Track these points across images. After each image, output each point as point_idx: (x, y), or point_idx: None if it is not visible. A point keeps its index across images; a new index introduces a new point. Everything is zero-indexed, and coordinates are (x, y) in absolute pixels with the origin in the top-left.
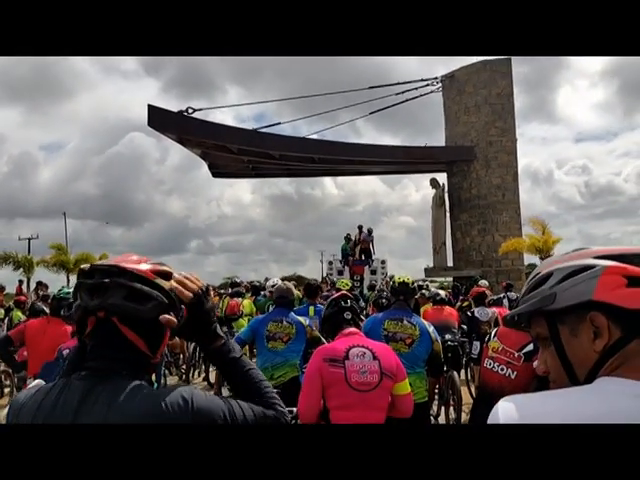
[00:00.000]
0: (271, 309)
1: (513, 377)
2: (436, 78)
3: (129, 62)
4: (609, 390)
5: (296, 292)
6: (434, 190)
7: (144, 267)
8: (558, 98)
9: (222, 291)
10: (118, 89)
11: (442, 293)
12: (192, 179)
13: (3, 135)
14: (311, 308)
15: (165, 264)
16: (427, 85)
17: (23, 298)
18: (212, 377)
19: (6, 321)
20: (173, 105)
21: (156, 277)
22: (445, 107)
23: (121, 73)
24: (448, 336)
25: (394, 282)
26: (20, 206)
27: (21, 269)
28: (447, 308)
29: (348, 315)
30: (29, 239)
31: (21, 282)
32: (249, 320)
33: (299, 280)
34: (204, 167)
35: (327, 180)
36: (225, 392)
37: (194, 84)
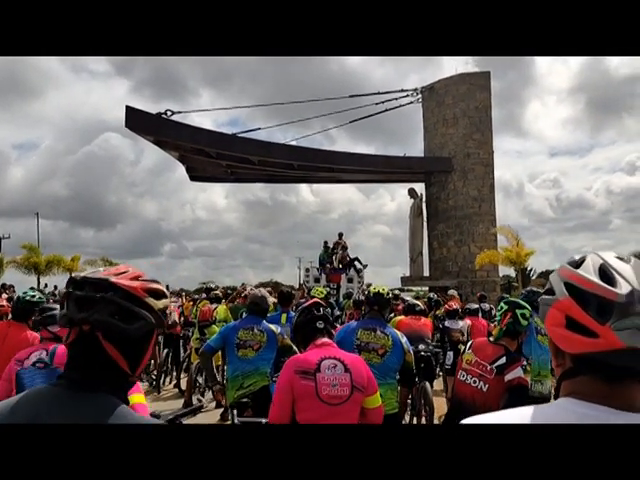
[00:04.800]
0: (244, 315)
1: (485, 390)
2: (416, 89)
3: (98, 61)
4: (564, 407)
5: (272, 299)
6: (412, 200)
7: (136, 284)
8: (528, 113)
9: (196, 296)
10: (88, 88)
11: (419, 304)
12: (165, 182)
13: None
14: (283, 315)
15: (158, 282)
16: (407, 96)
17: None
18: (183, 384)
19: None
20: (145, 106)
21: (147, 296)
22: (424, 118)
23: (90, 72)
24: (421, 346)
25: (369, 292)
26: None
27: None
28: (422, 319)
29: (321, 324)
30: (0, 238)
31: None
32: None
33: (276, 286)
34: (178, 170)
35: (302, 186)
36: (195, 400)
37: (166, 85)
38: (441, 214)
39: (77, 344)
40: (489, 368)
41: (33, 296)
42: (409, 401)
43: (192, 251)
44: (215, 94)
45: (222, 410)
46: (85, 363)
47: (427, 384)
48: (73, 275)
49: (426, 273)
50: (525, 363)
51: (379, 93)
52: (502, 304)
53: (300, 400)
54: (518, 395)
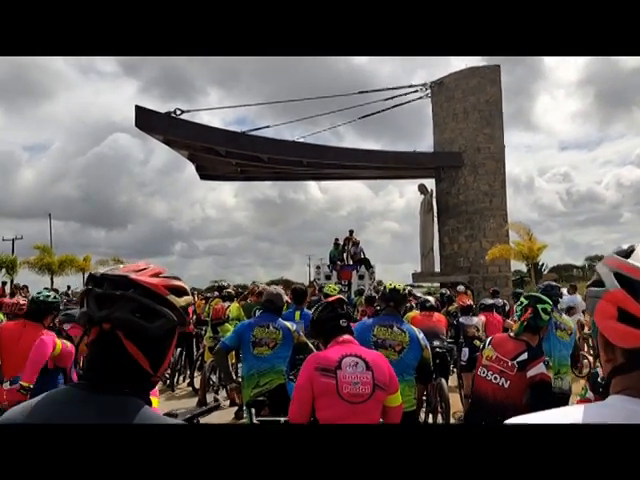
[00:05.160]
0: (257, 312)
1: (506, 386)
2: (425, 84)
3: (106, 62)
4: (614, 405)
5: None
6: (422, 196)
7: (156, 281)
8: (537, 107)
9: (208, 295)
10: (96, 89)
11: (431, 300)
12: (175, 181)
13: None
14: (297, 313)
15: (179, 278)
16: (416, 91)
17: (6, 300)
18: (197, 383)
19: None
20: (154, 106)
21: (168, 293)
22: (434, 113)
23: (98, 73)
24: (436, 343)
25: (385, 288)
26: (1, 206)
27: (4, 270)
28: (436, 314)
29: (344, 323)
30: (13, 239)
31: (4, 283)
32: (236, 325)
33: (286, 284)
34: (187, 169)
35: (311, 184)
36: (210, 398)
37: (174, 85)
38: (452, 209)
39: (97, 343)
40: (510, 364)
41: (48, 296)
42: (424, 398)
43: (203, 250)
44: (223, 93)
45: (236, 409)
46: (106, 363)
47: (443, 381)
48: (92, 272)
49: (437, 269)
50: (547, 359)
51: (388, 89)
52: (522, 299)
53: (320, 398)
54: (541, 392)
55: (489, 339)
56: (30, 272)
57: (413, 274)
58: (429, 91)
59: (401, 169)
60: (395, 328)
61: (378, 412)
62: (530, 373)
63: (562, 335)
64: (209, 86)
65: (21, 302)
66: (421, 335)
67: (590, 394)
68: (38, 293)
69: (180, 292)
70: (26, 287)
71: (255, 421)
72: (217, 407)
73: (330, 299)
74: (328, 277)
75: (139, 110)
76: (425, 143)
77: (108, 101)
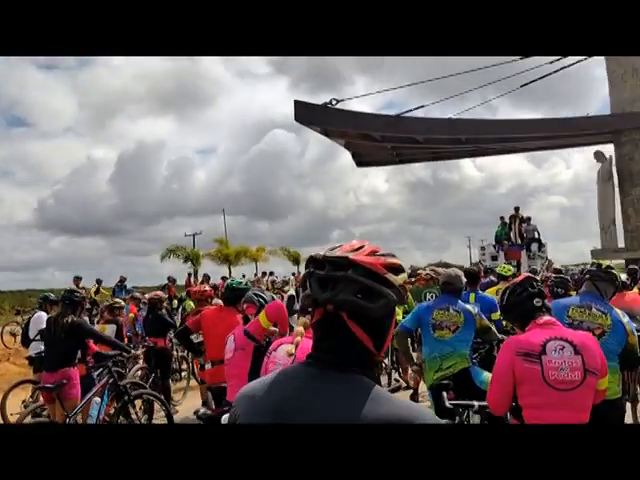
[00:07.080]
0: (428, 297)
1: None
2: None
3: (260, 64)
4: None
5: None
6: (599, 164)
7: (374, 260)
8: None
9: None
10: (253, 90)
11: (623, 277)
12: (329, 171)
13: (163, 141)
14: (472, 295)
15: (394, 255)
16: None
17: (194, 288)
18: None
19: (180, 310)
20: (304, 99)
21: (387, 272)
22: (609, 71)
23: (253, 75)
24: (634, 325)
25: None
26: (179, 205)
27: (189, 262)
28: (629, 293)
29: (538, 302)
30: (194, 235)
31: (190, 274)
32: (404, 308)
33: (446, 267)
34: (340, 159)
35: (465, 162)
36: (384, 380)
37: (321, 78)
38: (636, 176)
39: (322, 324)
40: None
41: (240, 282)
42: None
43: (359, 236)
44: (368, 79)
45: (412, 392)
46: (332, 343)
47: None
48: (313, 255)
49: (621, 244)
50: None
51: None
52: None
53: (523, 384)
54: None
55: None
56: (210, 263)
57: (592, 251)
58: None
59: (571, 136)
60: (594, 309)
61: (590, 399)
62: None
63: None
64: (354, 74)
65: (203, 288)
66: (626, 319)
67: None
68: (231, 281)
69: (397, 270)
70: (209, 277)
71: (447, 405)
72: (399, 388)
73: (518, 279)
74: (494, 258)
75: (298, 104)
76: (592, 107)
77: (263, 100)
